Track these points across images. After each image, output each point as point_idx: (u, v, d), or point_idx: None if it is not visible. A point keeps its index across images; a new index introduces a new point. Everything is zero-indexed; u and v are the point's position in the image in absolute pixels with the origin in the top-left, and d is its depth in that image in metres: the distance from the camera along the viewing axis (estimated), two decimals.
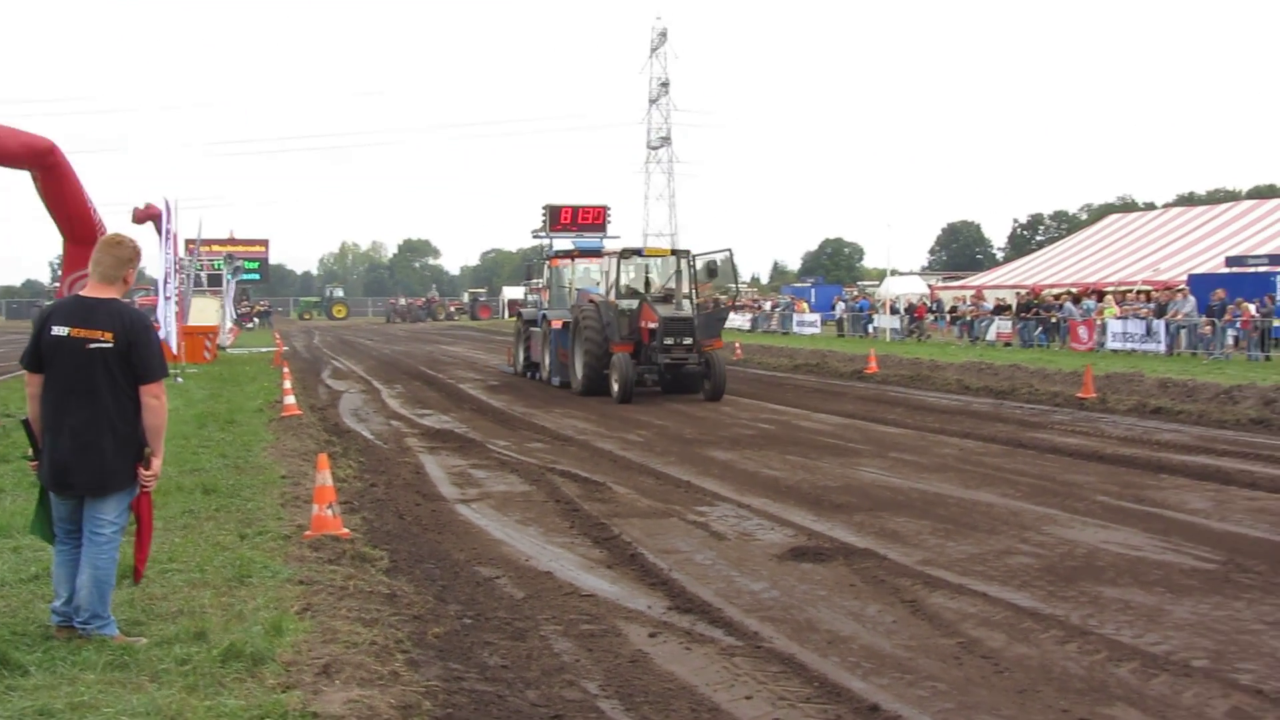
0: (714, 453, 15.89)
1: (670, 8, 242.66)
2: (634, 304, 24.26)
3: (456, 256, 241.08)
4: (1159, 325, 35.19)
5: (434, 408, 22.92)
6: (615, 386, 23.00)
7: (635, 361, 23.19)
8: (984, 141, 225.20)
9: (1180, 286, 40.77)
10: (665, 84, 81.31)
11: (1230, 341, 33.11)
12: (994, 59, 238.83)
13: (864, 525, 10.86)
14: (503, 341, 54.76)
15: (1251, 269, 39.57)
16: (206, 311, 40.75)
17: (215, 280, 50.83)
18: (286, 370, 24.57)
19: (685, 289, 25.43)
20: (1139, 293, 43.44)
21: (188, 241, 41.07)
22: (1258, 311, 32.73)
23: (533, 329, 29.38)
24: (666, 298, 25.11)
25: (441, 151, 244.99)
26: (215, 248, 59.69)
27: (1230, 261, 41.81)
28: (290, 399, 19.87)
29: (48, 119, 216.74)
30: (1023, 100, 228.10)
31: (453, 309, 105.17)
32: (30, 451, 6.59)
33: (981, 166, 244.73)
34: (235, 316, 56.95)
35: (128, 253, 6.68)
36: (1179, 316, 34.98)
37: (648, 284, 25.54)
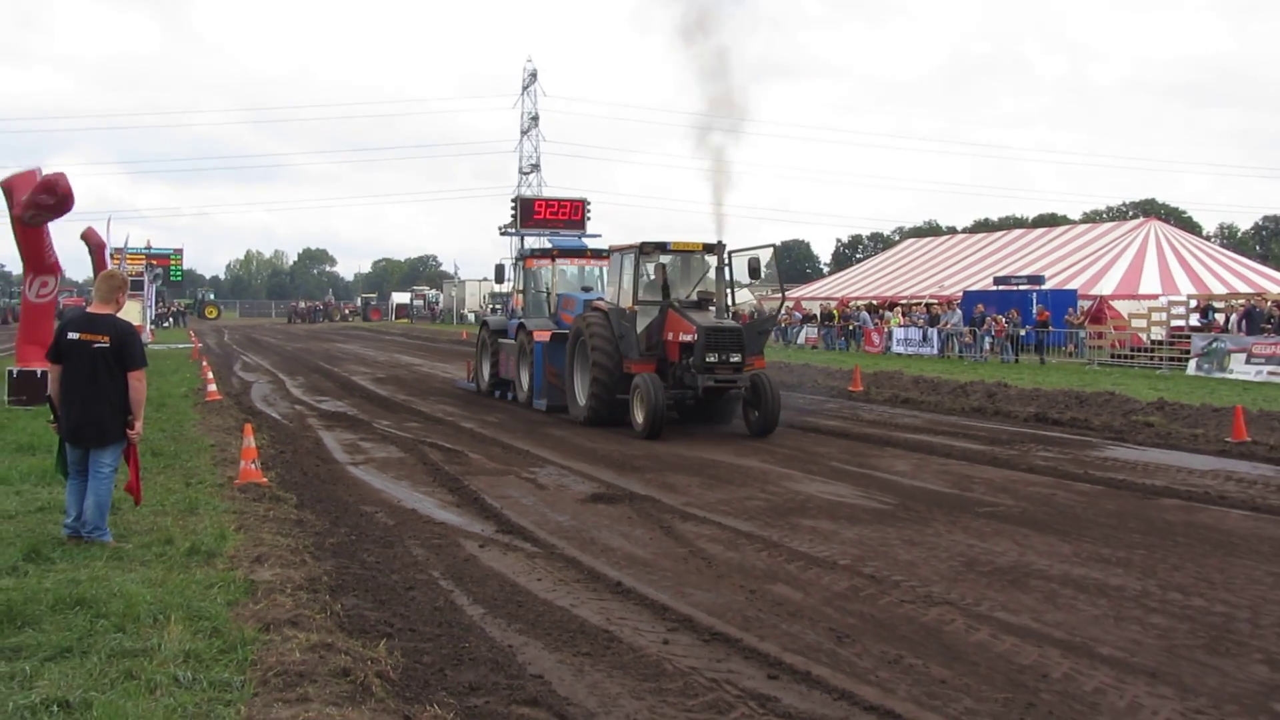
0: (549, 429, 18.13)
1: (540, 52, 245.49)
2: (652, 313, 18.18)
3: (350, 264, 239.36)
4: (932, 333, 38.40)
5: (330, 395, 24.64)
6: (639, 416, 17.12)
7: (665, 385, 17.39)
8: (823, 168, 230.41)
9: (955, 301, 44.14)
10: (535, 117, 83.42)
11: (987, 346, 36.38)
12: (838, 93, 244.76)
13: (650, 480, 13.19)
14: (391, 341, 56.38)
15: (1014, 287, 43.01)
16: (130, 313, 41.56)
17: (136, 285, 51.54)
18: (206, 364, 26.11)
19: (724, 293, 18.33)
20: (925, 305, 46.68)
21: (114, 252, 41.97)
22: (1008, 323, 35.98)
23: (502, 341, 23.40)
24: (700, 304, 18.42)
25: (336, 171, 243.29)
26: (136, 258, 60.18)
27: (997, 281, 45.23)
28: (212, 386, 21.63)
29: None
30: (858, 128, 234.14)
31: (347, 311, 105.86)
32: (52, 417, 8.61)
33: (814, 191, 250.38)
34: (154, 317, 57.47)
35: (118, 283, 8.89)
36: (948, 326, 38.22)
37: (666, 288, 18.24)
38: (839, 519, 11.04)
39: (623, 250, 19.24)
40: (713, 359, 16.91)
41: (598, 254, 23.20)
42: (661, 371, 17.70)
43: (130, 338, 8.62)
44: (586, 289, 22.52)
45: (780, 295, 19.91)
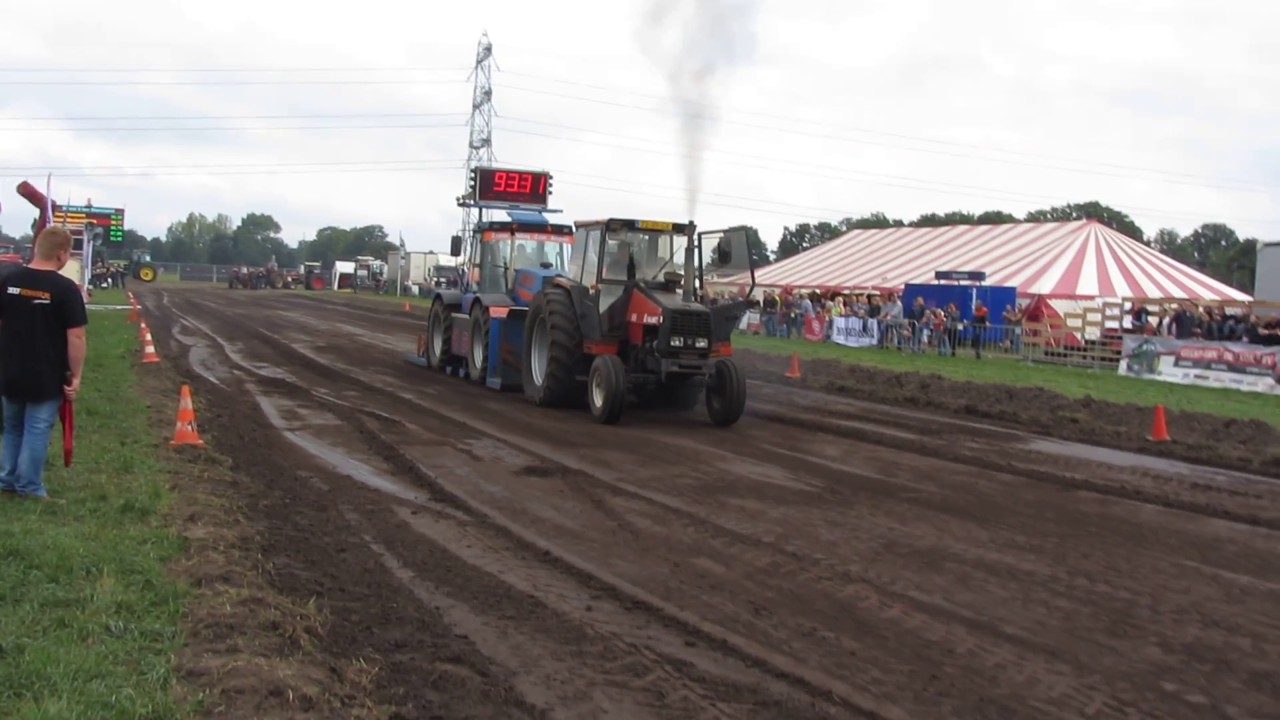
0: (488, 403, 18.28)
1: (495, 26, 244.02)
2: (616, 292, 17.54)
3: (295, 231, 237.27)
4: (872, 323, 38.91)
5: (269, 362, 24.58)
6: (598, 399, 16.44)
7: (627, 368, 16.74)
8: (773, 156, 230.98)
9: (896, 293, 44.74)
10: (488, 92, 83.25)
11: (925, 339, 36.95)
12: (792, 82, 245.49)
13: (585, 456, 13.39)
14: (333, 310, 56.06)
15: (955, 282, 43.65)
16: (69, 272, 40.89)
17: (76, 244, 50.76)
18: (144, 326, 25.93)
19: (693, 275, 17.98)
20: (867, 296, 47.23)
21: (54, 209, 41.32)
22: (946, 317, 36.57)
23: (456, 315, 22.70)
24: (666, 285, 17.83)
25: (284, 136, 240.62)
26: (76, 216, 59.29)
27: (939, 275, 45.86)
28: (150, 349, 21.53)
29: None
30: (810, 119, 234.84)
31: (290, 279, 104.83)
32: None
33: (764, 179, 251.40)
34: (91, 277, 56.67)
35: (60, 240, 8.94)
36: (887, 317, 38.75)
37: (631, 267, 17.46)
38: (766, 499, 11.31)
39: (588, 226, 18.49)
40: (678, 343, 16.29)
41: (559, 230, 22.60)
42: (623, 354, 17.05)
43: (71, 294, 8.65)
44: (546, 265, 21.98)
45: (750, 280, 19.14)
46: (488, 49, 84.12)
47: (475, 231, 23.19)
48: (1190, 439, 16.70)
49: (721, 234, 18.31)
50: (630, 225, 17.95)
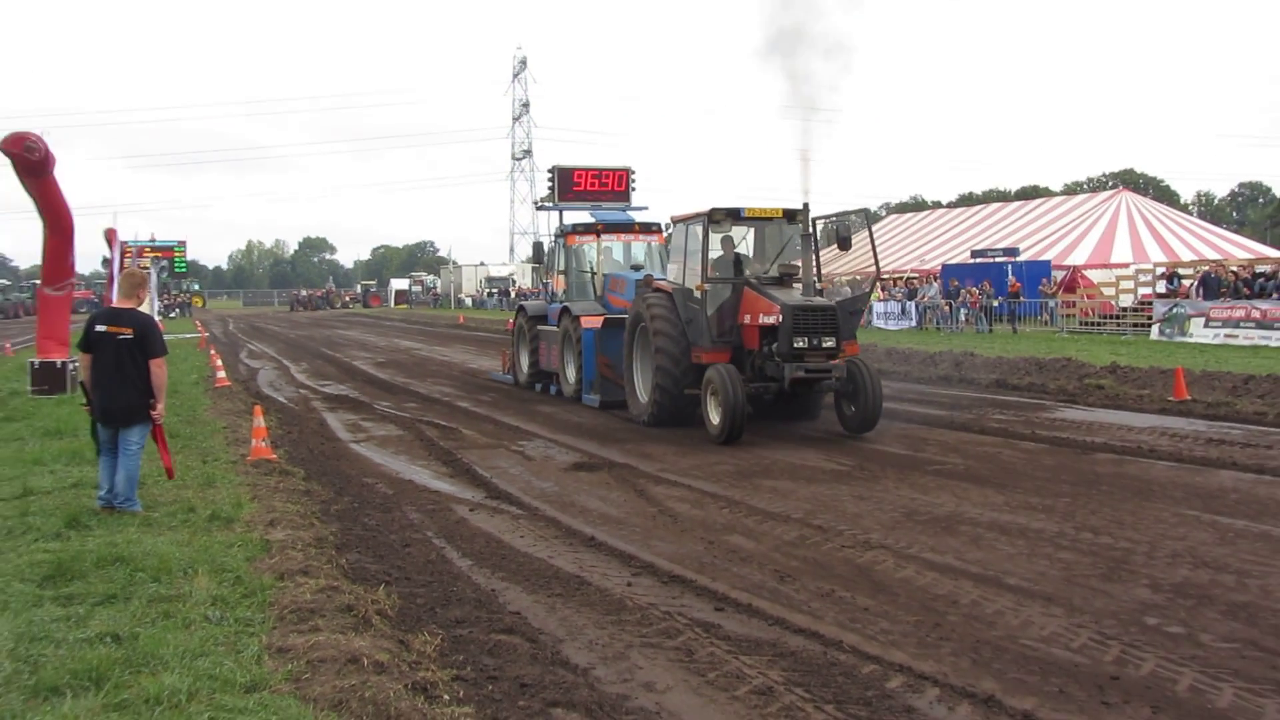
0: (540, 406, 18.98)
1: (529, 39, 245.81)
2: (724, 293, 15.44)
3: (350, 252, 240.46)
4: (910, 306, 39.25)
5: (332, 379, 25.47)
6: (714, 417, 14.34)
7: (744, 377, 14.60)
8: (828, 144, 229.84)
9: (934, 274, 44.98)
10: (526, 104, 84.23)
11: (962, 318, 37.24)
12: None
13: (630, 450, 14.04)
14: (390, 326, 57.18)
15: (991, 259, 43.78)
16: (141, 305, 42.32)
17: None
18: (213, 352, 26.95)
19: (812, 266, 15.24)
20: (905, 279, 47.47)
21: (124, 248, 42.68)
22: (981, 294, 36.84)
23: (542, 328, 20.95)
24: (781, 280, 15.48)
25: (333, 161, 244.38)
26: (149, 252, 61.03)
27: (974, 254, 46.02)
28: (221, 373, 22.49)
29: None
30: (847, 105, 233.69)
31: (348, 299, 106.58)
32: (84, 400, 9.49)
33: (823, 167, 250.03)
34: (160, 308, 58.28)
35: (138, 280, 9.84)
36: (925, 299, 39.06)
37: (738, 264, 15.73)
38: (799, 479, 11.90)
39: (688, 220, 16.17)
40: (801, 344, 14.08)
41: (646, 228, 20.91)
42: (738, 362, 14.95)
43: (151, 328, 9.48)
44: (636, 268, 20.01)
45: (875, 268, 16.74)
46: (523, 62, 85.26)
47: (557, 236, 21.54)
48: (1210, 397, 17.05)
49: (837, 218, 16.24)
50: (735, 215, 15.62)
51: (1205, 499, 10.39)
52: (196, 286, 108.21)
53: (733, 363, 14.84)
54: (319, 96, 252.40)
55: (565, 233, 21.02)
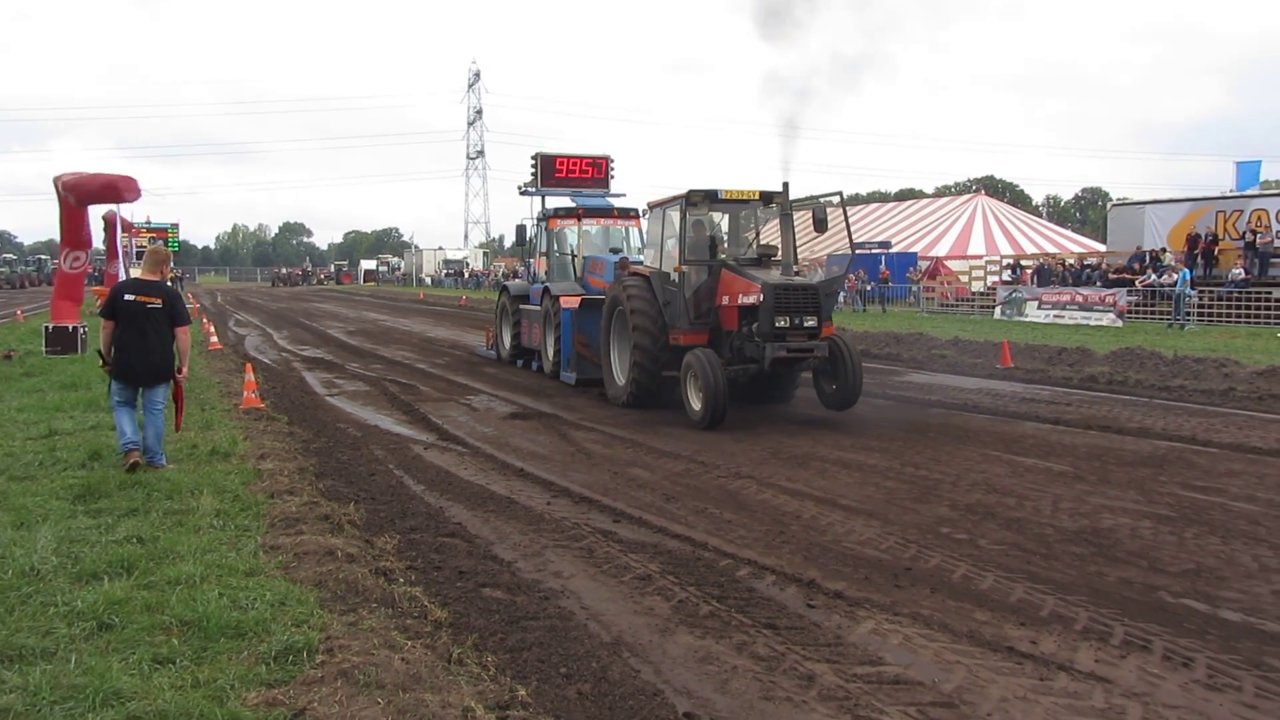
0: (485, 369, 19.59)
1: (483, 54, 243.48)
2: (701, 274, 13.59)
3: (325, 235, 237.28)
4: None
5: (310, 344, 25.78)
6: (696, 402, 12.71)
7: (723, 360, 12.88)
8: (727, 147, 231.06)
9: (820, 263, 45.99)
10: (479, 111, 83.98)
11: (841, 299, 38.28)
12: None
13: (557, 404, 14.72)
14: (360, 301, 57.09)
15: (868, 251, 44.70)
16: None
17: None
18: (206, 320, 27.08)
19: (791, 247, 14.04)
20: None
21: (124, 227, 42.25)
22: (857, 280, 37.86)
23: (525, 307, 19.68)
24: (759, 261, 14.00)
25: (311, 156, 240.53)
26: (146, 233, 60.06)
27: (853, 246, 46.94)
28: (214, 338, 22.76)
29: None
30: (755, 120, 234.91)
31: (322, 276, 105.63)
32: (102, 361, 9.53)
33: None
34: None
35: (162, 256, 9.95)
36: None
37: (713, 246, 13.75)
38: (690, 426, 12.67)
39: (665, 204, 14.45)
40: (783, 324, 12.42)
41: (625, 213, 19.55)
42: (715, 344, 13.34)
43: (178, 300, 9.50)
44: (615, 250, 18.79)
45: (849, 249, 13.86)
46: (477, 74, 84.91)
47: (539, 220, 20.15)
48: (1030, 365, 18.17)
49: (813, 201, 14.68)
50: (712, 197, 13.74)
51: (1007, 443, 11.35)
52: (172, 264, 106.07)
53: (710, 345, 13.30)
54: (299, 99, 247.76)
55: (547, 216, 19.84)
